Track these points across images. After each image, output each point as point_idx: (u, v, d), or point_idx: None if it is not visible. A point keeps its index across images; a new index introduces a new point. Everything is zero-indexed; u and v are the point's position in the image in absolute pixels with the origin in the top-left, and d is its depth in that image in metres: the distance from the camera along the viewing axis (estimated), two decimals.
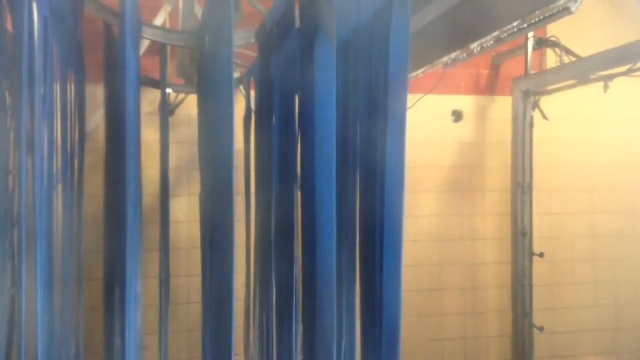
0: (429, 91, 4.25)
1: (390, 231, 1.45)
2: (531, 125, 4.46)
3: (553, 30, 4.18)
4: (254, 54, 3.06)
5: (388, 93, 1.45)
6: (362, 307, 1.66)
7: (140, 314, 2.44)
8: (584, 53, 3.87)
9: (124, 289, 2.07)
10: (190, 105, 3.67)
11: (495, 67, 4.68)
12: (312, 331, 1.62)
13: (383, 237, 1.47)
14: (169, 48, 3.16)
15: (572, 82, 3.97)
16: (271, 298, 2.46)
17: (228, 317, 1.67)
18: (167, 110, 3.14)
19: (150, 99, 3.61)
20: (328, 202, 1.56)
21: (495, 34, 2.57)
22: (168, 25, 3.57)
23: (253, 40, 2.66)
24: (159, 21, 3.53)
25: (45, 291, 1.92)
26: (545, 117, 4.35)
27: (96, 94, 2.82)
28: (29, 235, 1.75)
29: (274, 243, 2.35)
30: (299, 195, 1.95)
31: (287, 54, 2.07)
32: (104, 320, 2.39)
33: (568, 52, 4.09)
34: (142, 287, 2.54)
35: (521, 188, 4.49)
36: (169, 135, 2.82)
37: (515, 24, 2.48)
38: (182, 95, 3.82)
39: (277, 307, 2.38)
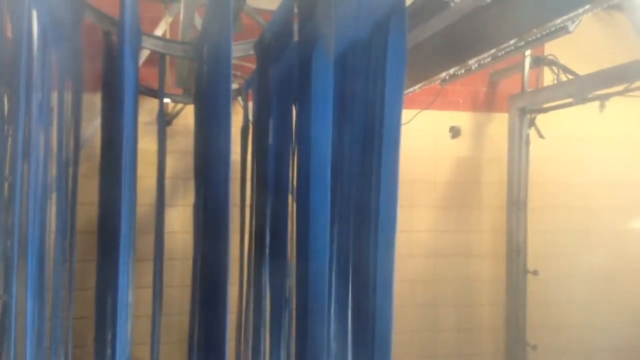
0: (427, 107, 4.26)
1: (384, 243, 1.44)
2: (527, 142, 4.47)
3: (550, 49, 4.21)
4: (252, 65, 3.07)
5: (384, 105, 1.45)
6: (354, 321, 1.65)
7: (131, 323, 2.42)
8: (580, 72, 3.89)
9: (115, 298, 2.06)
10: (187, 116, 3.68)
11: (492, 84, 4.70)
12: (304, 344, 1.60)
13: (377, 248, 1.46)
14: (168, 58, 3.17)
15: (568, 100, 3.98)
16: (264, 310, 2.44)
17: (222, 330, 1.64)
18: (164, 119, 3.13)
19: (148, 109, 3.61)
20: (322, 213, 1.55)
21: (493, 51, 2.59)
22: (168, 36, 3.58)
23: (252, 52, 2.67)
24: (159, 32, 3.55)
25: (35, 298, 1.90)
26: (540, 135, 4.36)
27: (93, 102, 2.83)
28: (22, 242, 1.75)
29: (268, 255, 2.34)
30: (294, 206, 1.95)
31: (285, 66, 2.09)
32: (95, 329, 2.37)
33: (565, 70, 4.11)
34: (135, 296, 2.52)
35: (516, 205, 4.49)
36: (166, 145, 2.82)
37: (512, 41, 2.50)
38: (179, 105, 3.82)
39: (269, 320, 2.36)
